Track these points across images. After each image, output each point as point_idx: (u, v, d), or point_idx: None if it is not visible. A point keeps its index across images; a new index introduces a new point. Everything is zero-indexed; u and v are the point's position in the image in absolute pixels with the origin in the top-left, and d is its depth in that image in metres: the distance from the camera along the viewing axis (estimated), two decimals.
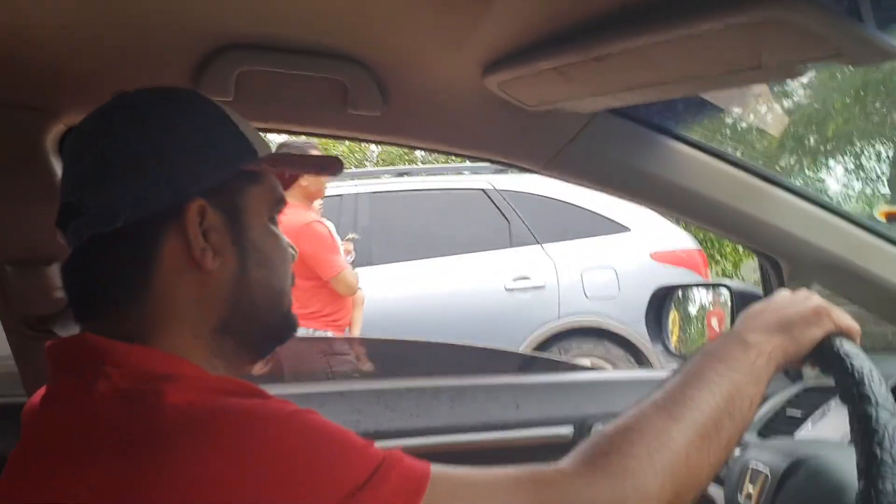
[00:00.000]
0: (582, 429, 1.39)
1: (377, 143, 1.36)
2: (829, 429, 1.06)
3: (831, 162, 9.39)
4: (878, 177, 9.53)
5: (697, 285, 2.19)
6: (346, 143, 9.57)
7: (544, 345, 4.35)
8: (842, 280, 1.27)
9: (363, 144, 10.31)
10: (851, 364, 0.70)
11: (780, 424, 1.20)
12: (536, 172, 1.26)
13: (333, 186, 4.79)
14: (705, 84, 0.86)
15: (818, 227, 1.25)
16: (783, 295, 0.79)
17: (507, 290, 4.38)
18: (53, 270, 1.08)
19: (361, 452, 0.56)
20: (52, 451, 0.58)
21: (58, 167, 1.05)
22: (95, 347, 0.63)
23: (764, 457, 0.90)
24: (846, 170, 9.55)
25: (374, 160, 11.50)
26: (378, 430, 1.32)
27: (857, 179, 9.60)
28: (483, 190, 4.68)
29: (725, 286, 1.53)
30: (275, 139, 3.43)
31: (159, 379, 0.59)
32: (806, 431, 1.12)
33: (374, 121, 1.08)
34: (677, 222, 4.58)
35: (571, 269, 4.43)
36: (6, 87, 0.98)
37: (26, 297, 1.12)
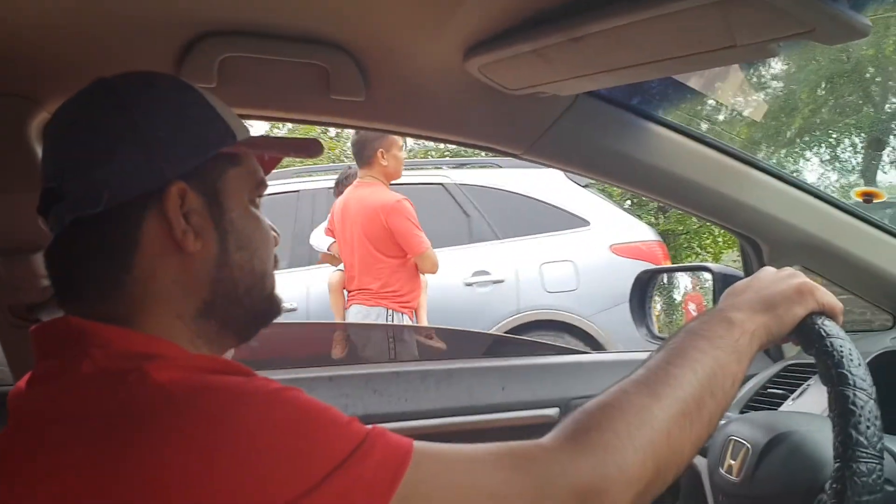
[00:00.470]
0: (567, 410, 1.40)
1: (360, 128, 1.37)
2: (809, 406, 1.08)
3: (800, 152, 9.47)
4: (853, 168, 9.63)
5: (680, 269, 2.21)
6: (326, 138, 9.50)
7: None
8: (821, 260, 1.29)
9: (341, 139, 10.18)
10: (831, 344, 0.71)
11: (761, 403, 1.22)
12: (519, 157, 1.27)
13: (289, 182, 4.73)
14: (682, 65, 0.87)
15: (797, 208, 1.27)
16: (767, 272, 0.80)
17: (466, 284, 4.35)
18: (39, 258, 1.08)
19: (344, 429, 0.57)
20: (38, 431, 0.58)
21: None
22: (79, 329, 0.63)
23: (745, 430, 0.91)
24: (821, 160, 9.64)
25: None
26: (366, 414, 1.33)
27: (833, 170, 9.69)
28: (442, 184, 4.63)
29: (707, 269, 1.55)
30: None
31: (142, 358, 0.59)
32: (786, 408, 1.14)
33: (357, 106, 1.09)
34: (639, 215, 4.58)
35: (531, 264, 4.41)
36: None
37: (12, 286, 1.12)
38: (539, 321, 4.37)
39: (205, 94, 0.72)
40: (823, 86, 8.67)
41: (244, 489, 0.52)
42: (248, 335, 0.75)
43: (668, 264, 4.51)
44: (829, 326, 0.73)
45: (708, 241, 8.77)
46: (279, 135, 7.36)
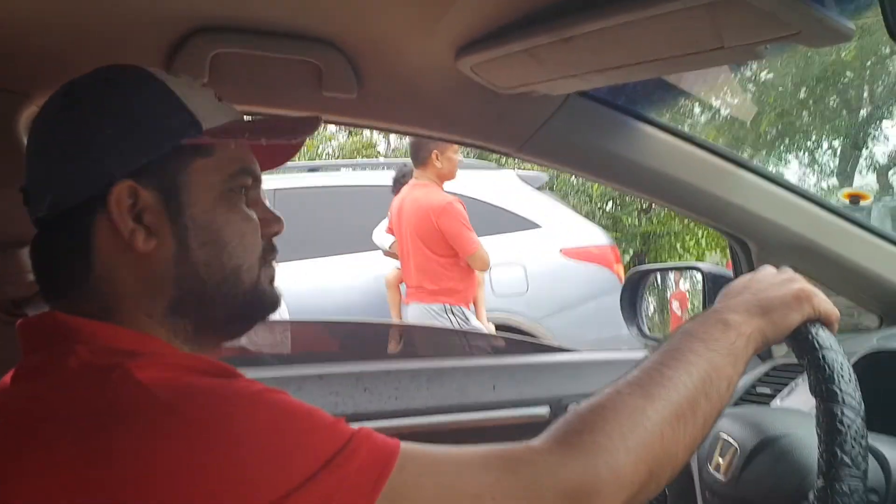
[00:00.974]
0: (558, 409, 1.41)
1: (352, 126, 1.37)
2: (797, 405, 1.09)
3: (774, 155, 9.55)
4: (831, 171, 9.71)
5: (671, 268, 2.23)
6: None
7: None
8: (809, 261, 1.30)
9: (315, 141, 10.06)
10: (823, 357, 0.70)
11: (750, 402, 1.22)
12: (510, 156, 1.27)
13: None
14: (671, 66, 0.88)
15: (786, 209, 1.28)
16: (766, 273, 0.79)
17: None
18: (26, 253, 1.08)
19: (329, 430, 0.56)
20: (23, 429, 0.58)
21: None
22: (64, 325, 0.63)
23: (735, 429, 0.91)
24: (800, 163, 9.72)
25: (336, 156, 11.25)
26: (356, 412, 1.33)
27: (813, 173, 9.77)
28: (389, 186, 4.45)
29: (698, 269, 1.56)
30: None
31: (127, 355, 0.59)
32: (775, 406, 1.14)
33: (349, 103, 1.09)
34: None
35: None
36: None
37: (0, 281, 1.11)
38: None
39: (173, 82, 0.69)
40: (790, 89, 8.73)
41: (226, 491, 0.52)
42: (233, 334, 0.73)
43: (620, 268, 4.49)
44: (823, 337, 0.72)
45: (691, 244, 8.75)
46: None
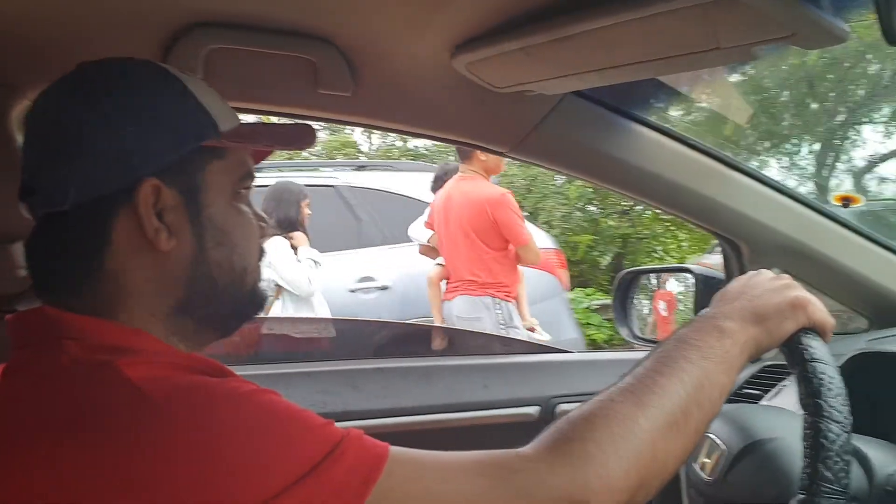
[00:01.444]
0: (548, 409, 1.42)
1: (347, 123, 1.38)
2: (784, 406, 1.09)
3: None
4: (809, 175, 9.78)
5: (662, 270, 2.24)
6: None
7: None
8: (800, 263, 1.30)
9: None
10: (814, 369, 0.70)
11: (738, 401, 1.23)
12: (505, 155, 1.27)
13: None
14: (667, 66, 0.88)
15: (778, 211, 1.29)
16: (762, 278, 0.78)
17: (350, 291, 4.20)
18: (17, 248, 1.07)
19: (318, 432, 0.56)
20: (10, 422, 0.57)
21: None
22: (54, 320, 0.62)
23: (723, 430, 0.91)
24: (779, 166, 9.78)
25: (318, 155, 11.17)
26: (346, 411, 1.32)
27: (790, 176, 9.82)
28: (334, 186, 4.44)
29: (689, 270, 1.57)
30: None
31: (117, 352, 0.58)
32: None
33: (344, 101, 1.09)
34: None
35: (419, 270, 4.13)
36: None
37: None
38: None
39: (188, 81, 0.69)
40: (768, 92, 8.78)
41: (211, 492, 0.51)
42: (228, 331, 0.74)
43: (564, 273, 4.45)
44: (815, 348, 0.72)
45: (672, 247, 8.73)
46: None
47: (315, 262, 3.61)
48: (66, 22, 0.93)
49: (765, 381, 1.23)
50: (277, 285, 3.58)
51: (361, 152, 11.02)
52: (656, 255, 8.69)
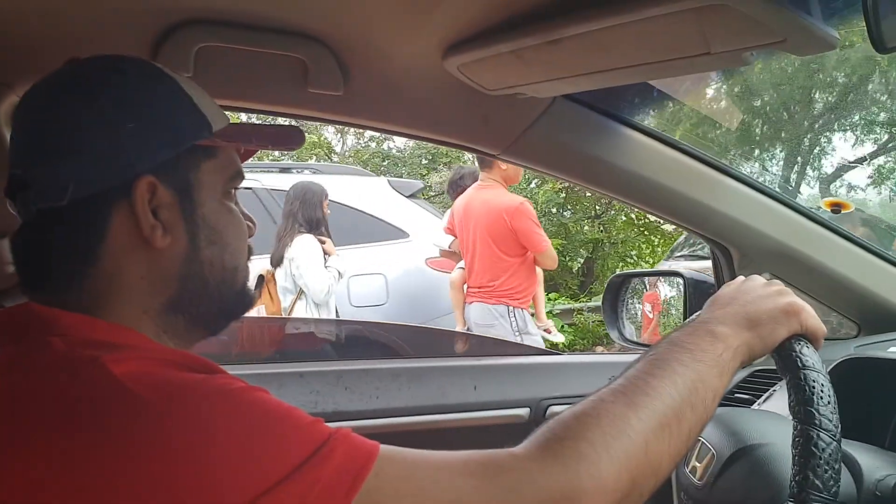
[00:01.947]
0: (538, 410, 1.41)
1: (337, 123, 1.37)
2: (774, 410, 1.10)
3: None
4: (781, 181, 9.82)
5: (653, 273, 2.25)
6: None
7: None
8: (790, 268, 1.31)
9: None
10: (805, 377, 0.70)
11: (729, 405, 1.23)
12: (495, 157, 1.27)
13: None
14: (658, 70, 0.88)
15: (768, 215, 1.29)
16: (755, 284, 0.78)
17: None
18: (3, 244, 1.06)
19: (306, 430, 0.56)
20: None
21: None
22: (40, 316, 0.62)
23: (714, 435, 0.91)
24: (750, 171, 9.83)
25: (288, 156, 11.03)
26: (336, 411, 1.32)
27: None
28: (252, 189, 4.35)
29: (679, 274, 1.57)
30: None
31: (103, 347, 0.58)
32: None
33: (335, 101, 1.09)
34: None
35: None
36: None
37: None
38: None
39: (181, 81, 0.70)
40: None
41: (197, 489, 0.51)
42: (217, 329, 0.74)
43: None
44: (807, 356, 0.73)
45: (647, 251, 8.70)
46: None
47: (340, 273, 3.63)
48: (55, 19, 0.92)
49: (756, 385, 1.23)
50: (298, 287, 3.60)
51: (334, 152, 11.02)
52: (630, 260, 8.69)
